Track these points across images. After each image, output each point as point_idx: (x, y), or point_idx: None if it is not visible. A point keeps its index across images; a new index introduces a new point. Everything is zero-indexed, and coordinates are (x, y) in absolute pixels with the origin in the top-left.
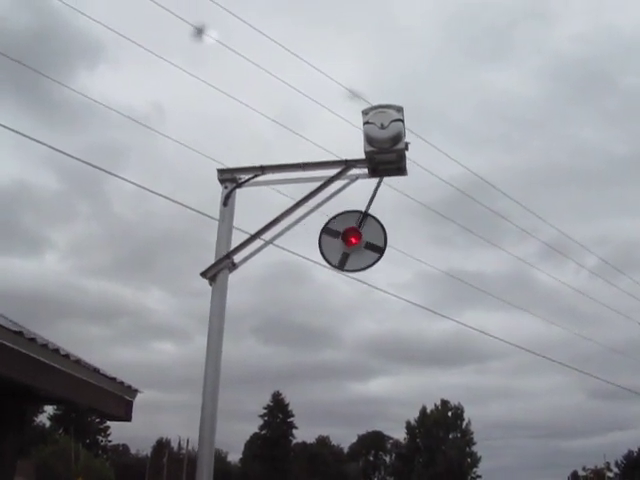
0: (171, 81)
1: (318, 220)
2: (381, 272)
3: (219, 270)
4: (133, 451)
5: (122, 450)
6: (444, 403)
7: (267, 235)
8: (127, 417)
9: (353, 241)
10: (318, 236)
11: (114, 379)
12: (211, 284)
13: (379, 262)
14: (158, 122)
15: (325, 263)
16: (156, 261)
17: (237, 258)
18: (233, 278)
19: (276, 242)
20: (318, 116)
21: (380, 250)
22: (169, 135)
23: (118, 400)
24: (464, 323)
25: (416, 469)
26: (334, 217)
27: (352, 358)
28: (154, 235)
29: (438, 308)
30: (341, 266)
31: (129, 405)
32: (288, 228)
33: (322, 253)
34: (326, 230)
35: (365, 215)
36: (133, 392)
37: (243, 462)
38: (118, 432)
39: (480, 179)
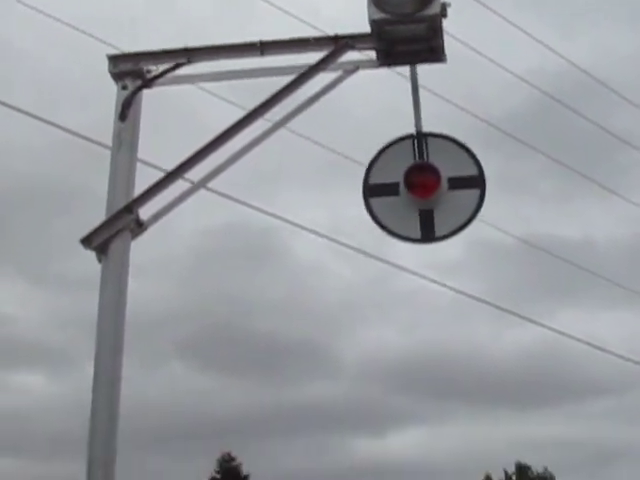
0: None
1: (291, 143)
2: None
3: (114, 233)
4: None
5: None
6: (522, 471)
7: (197, 172)
8: None
9: (430, 186)
10: (364, 204)
11: None
12: (100, 259)
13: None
14: None
15: (396, 241)
16: (11, 231)
17: (146, 213)
18: (143, 253)
19: (215, 185)
20: None
21: (478, 181)
22: None
23: None
24: (557, 329)
25: None
26: (371, 165)
27: (358, 395)
28: (4, 186)
29: (512, 304)
30: (429, 235)
31: None
32: (236, 159)
33: (386, 230)
34: (372, 190)
35: (422, 137)
36: None
37: None
38: None
39: (587, 75)
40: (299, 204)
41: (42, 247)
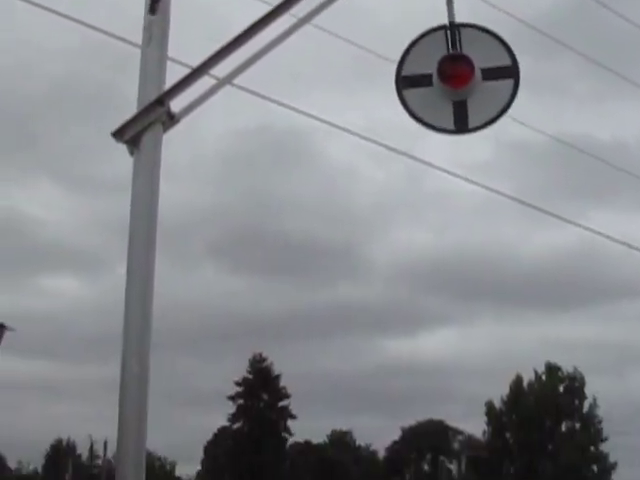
0: None
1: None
2: (440, 143)
3: (146, 126)
4: (13, 464)
5: None
6: (552, 371)
7: (226, 68)
8: None
9: (463, 77)
10: (397, 96)
11: None
12: (132, 152)
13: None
14: None
15: (430, 132)
16: (41, 133)
17: (177, 106)
18: (175, 155)
19: (243, 82)
20: None
21: (511, 71)
22: None
23: None
24: (591, 228)
25: None
26: (404, 56)
27: (389, 296)
28: (35, 87)
29: (543, 205)
30: (462, 126)
31: None
32: (263, 54)
33: (420, 121)
34: (405, 82)
35: (455, 27)
36: None
37: (202, 478)
38: None
39: None
40: (331, 106)
41: (73, 150)
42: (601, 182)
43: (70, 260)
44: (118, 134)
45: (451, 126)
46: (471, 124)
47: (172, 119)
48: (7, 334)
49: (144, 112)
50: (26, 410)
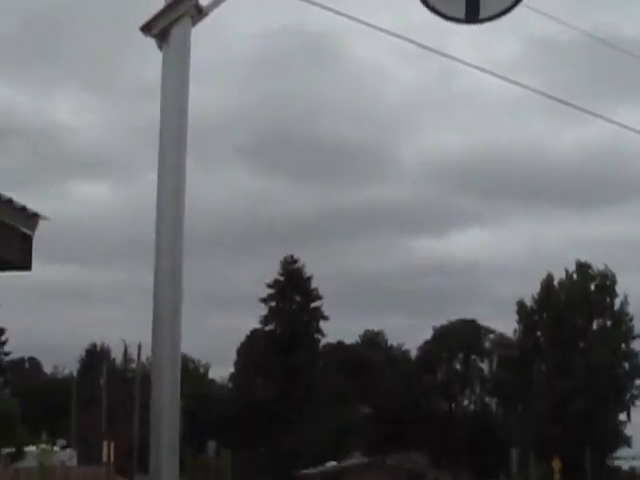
0: None
1: None
2: (468, 39)
3: (174, 19)
4: (49, 369)
5: (30, 368)
6: (583, 269)
7: None
8: (24, 263)
9: None
10: None
11: None
12: (161, 47)
13: None
14: None
15: (440, 20)
16: (71, 41)
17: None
18: (206, 62)
19: None
20: None
21: None
22: None
23: (5, 231)
24: (622, 124)
25: (536, 382)
26: None
27: (419, 196)
28: None
29: (573, 100)
30: (473, 16)
31: (26, 241)
32: None
33: (431, 8)
34: None
35: None
36: (31, 218)
37: (235, 379)
38: (21, 338)
39: None
40: (360, 5)
41: (104, 57)
42: (631, 78)
43: (100, 166)
44: (146, 28)
45: (462, 15)
46: (482, 14)
47: (200, 12)
48: (41, 223)
49: (172, 5)
50: (61, 315)
